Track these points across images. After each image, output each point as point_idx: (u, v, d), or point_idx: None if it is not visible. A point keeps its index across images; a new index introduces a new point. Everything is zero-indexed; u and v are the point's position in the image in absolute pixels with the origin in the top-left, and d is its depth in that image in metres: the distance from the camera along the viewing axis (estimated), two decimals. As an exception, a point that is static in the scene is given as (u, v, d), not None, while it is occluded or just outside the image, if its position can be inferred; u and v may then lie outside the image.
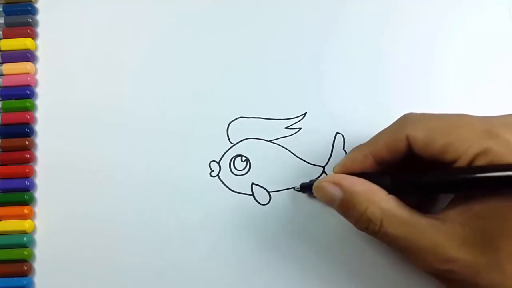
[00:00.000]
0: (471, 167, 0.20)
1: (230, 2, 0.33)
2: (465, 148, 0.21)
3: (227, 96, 0.31)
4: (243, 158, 0.31)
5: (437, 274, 0.22)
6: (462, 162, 0.21)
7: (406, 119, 0.23)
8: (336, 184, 0.24)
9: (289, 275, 0.29)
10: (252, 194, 0.30)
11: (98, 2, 0.33)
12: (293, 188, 0.30)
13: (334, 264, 0.29)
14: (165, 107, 0.32)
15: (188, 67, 0.32)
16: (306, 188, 0.29)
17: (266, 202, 0.30)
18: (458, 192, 0.22)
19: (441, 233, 0.21)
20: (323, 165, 0.30)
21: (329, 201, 0.25)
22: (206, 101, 0.31)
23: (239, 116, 0.31)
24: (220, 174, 0.31)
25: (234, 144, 0.31)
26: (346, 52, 0.32)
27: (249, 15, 0.32)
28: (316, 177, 0.30)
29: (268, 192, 0.30)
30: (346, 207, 0.24)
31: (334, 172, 0.26)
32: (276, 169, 0.30)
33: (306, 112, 0.31)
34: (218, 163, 0.31)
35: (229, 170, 0.31)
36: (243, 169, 0.31)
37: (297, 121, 0.31)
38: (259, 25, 0.32)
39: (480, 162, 0.20)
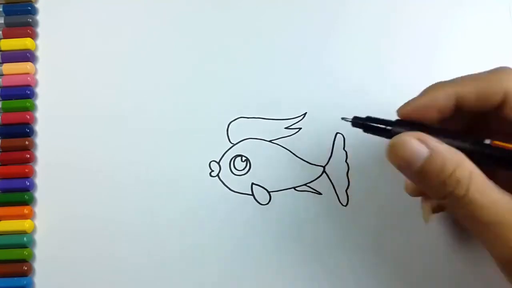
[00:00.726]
0: None
1: (231, 3, 0.33)
2: None
3: (227, 96, 0.31)
4: (243, 158, 0.31)
5: None
6: None
7: (507, 73, 0.20)
8: (422, 141, 0.20)
9: (289, 275, 0.29)
10: (252, 194, 0.30)
11: (98, 2, 0.33)
12: (342, 118, 0.25)
13: (334, 264, 0.29)
14: (165, 107, 0.32)
15: (188, 67, 0.32)
16: (358, 123, 0.24)
17: (266, 202, 0.30)
18: None
19: None
20: (323, 165, 0.30)
21: (409, 161, 0.20)
22: (206, 101, 0.31)
23: (239, 116, 0.31)
24: (220, 174, 0.31)
25: (234, 144, 0.31)
26: (346, 52, 0.32)
27: (249, 15, 0.32)
28: (316, 176, 0.30)
29: (268, 192, 0.30)
30: (431, 168, 0.20)
31: (402, 111, 0.22)
32: (276, 169, 0.30)
33: (306, 112, 0.31)
34: (218, 163, 0.31)
35: (229, 170, 0.31)
36: (243, 169, 0.31)
37: (297, 121, 0.31)
38: (259, 25, 0.32)
39: None
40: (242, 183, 0.30)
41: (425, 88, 0.22)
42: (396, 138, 0.21)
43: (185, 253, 0.30)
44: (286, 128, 0.31)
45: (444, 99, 0.21)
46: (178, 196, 0.30)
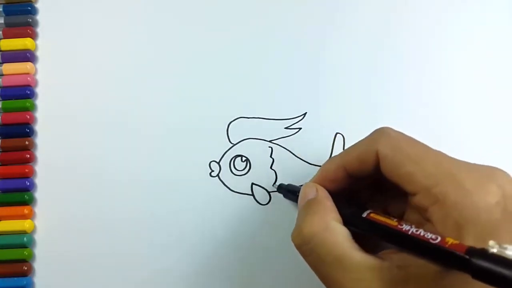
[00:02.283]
0: (420, 240, 0.19)
1: (231, 3, 0.33)
2: (427, 187, 0.19)
3: (227, 96, 0.31)
4: (243, 158, 0.31)
5: None
6: (419, 201, 0.20)
7: (381, 133, 0.22)
8: (317, 189, 0.24)
9: (289, 274, 0.29)
10: (252, 194, 0.30)
11: (98, 2, 0.33)
12: (273, 185, 0.30)
13: None
14: (165, 107, 0.32)
15: (188, 68, 0.32)
16: (283, 189, 0.29)
17: (266, 202, 0.30)
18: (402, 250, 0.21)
19: (374, 271, 0.19)
20: (323, 165, 0.30)
21: (302, 198, 0.24)
22: (206, 101, 0.32)
23: (239, 116, 0.31)
24: (220, 174, 0.31)
25: (234, 144, 0.31)
26: (346, 52, 0.32)
27: (249, 15, 0.32)
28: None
29: (268, 192, 0.30)
30: (304, 208, 0.23)
31: (311, 180, 0.26)
32: (276, 169, 0.30)
33: (306, 112, 0.31)
34: (218, 163, 0.31)
35: (229, 170, 0.31)
36: (243, 169, 0.31)
37: (297, 121, 0.31)
38: (259, 25, 0.32)
39: (436, 214, 0.19)
40: (242, 183, 0.30)
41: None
42: (305, 183, 0.25)
43: (185, 253, 0.30)
44: (286, 128, 0.31)
45: (334, 170, 0.24)
46: (178, 196, 0.30)
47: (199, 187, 0.30)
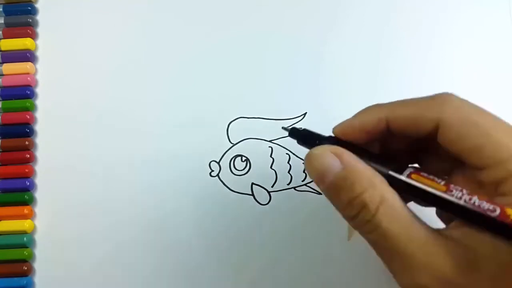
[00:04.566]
0: (476, 212, 0.17)
1: (231, 3, 0.33)
2: (502, 160, 0.17)
3: (227, 96, 0.31)
4: (243, 158, 0.31)
5: None
6: (489, 175, 0.18)
7: (444, 99, 0.19)
8: (337, 155, 0.19)
9: (289, 274, 0.29)
10: (252, 194, 0.30)
11: (97, 2, 0.33)
12: (282, 127, 0.25)
13: (334, 264, 0.29)
14: (165, 107, 0.32)
15: (188, 68, 0.32)
16: (295, 134, 0.24)
17: (266, 202, 0.30)
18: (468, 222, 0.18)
19: (442, 250, 0.17)
20: (323, 165, 0.30)
21: (321, 173, 0.20)
22: (206, 101, 0.32)
23: (239, 116, 0.31)
24: (220, 174, 0.31)
25: (234, 144, 0.31)
26: (346, 52, 0.32)
27: (248, 16, 0.32)
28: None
29: (268, 192, 0.30)
30: (341, 184, 0.19)
31: (335, 131, 0.22)
32: (276, 169, 0.30)
33: (306, 112, 0.31)
34: (218, 163, 0.31)
35: (229, 170, 0.31)
36: (243, 169, 0.31)
37: (297, 121, 0.31)
38: (259, 25, 0.32)
39: (508, 187, 0.17)
40: (242, 183, 0.30)
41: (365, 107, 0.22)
42: (313, 149, 0.20)
43: (185, 253, 0.30)
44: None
45: (374, 122, 0.20)
46: (178, 196, 0.30)
47: (199, 187, 0.30)
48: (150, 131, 0.31)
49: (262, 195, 0.30)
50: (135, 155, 0.31)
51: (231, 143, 0.31)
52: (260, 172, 0.30)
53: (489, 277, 0.17)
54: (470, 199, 0.17)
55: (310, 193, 0.30)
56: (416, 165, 0.22)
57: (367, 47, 0.32)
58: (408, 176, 0.18)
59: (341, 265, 0.29)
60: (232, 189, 0.30)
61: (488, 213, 0.16)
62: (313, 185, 0.30)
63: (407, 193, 0.19)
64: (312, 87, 0.31)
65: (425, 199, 0.18)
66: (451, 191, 0.17)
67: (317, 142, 0.22)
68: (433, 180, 0.18)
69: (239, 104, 0.31)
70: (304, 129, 0.23)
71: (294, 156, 0.31)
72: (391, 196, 0.18)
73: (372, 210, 0.18)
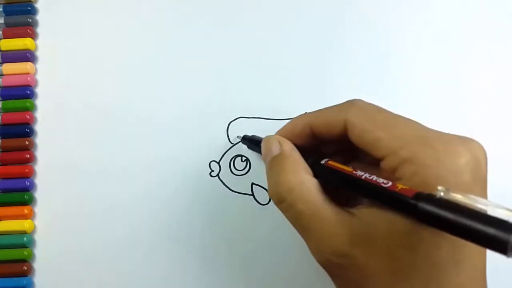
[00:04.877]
0: (381, 187, 0.19)
1: (231, 3, 0.33)
2: (395, 149, 0.20)
3: (227, 96, 0.31)
4: (243, 158, 0.31)
5: (328, 266, 0.21)
6: (388, 163, 0.20)
7: (351, 104, 0.22)
8: (280, 143, 0.24)
9: (289, 274, 0.29)
10: (252, 194, 0.30)
11: (97, 2, 0.33)
12: (237, 136, 0.30)
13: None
14: (165, 107, 0.32)
15: (188, 67, 0.32)
16: (246, 140, 0.29)
17: (266, 202, 0.30)
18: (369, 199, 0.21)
19: (345, 227, 0.20)
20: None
21: (266, 153, 0.24)
22: (206, 101, 0.31)
23: (239, 116, 0.31)
24: (220, 174, 0.31)
25: (234, 144, 0.31)
26: (346, 52, 0.32)
27: (249, 15, 0.32)
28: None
29: (268, 192, 0.30)
30: (274, 165, 0.23)
31: (277, 133, 0.26)
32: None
33: (306, 112, 0.31)
34: (218, 163, 0.31)
35: (229, 170, 0.31)
36: (243, 169, 0.31)
37: (297, 121, 0.31)
38: (260, 25, 0.32)
39: (404, 171, 0.19)
40: (242, 183, 0.30)
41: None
42: (267, 136, 0.26)
43: (185, 253, 0.30)
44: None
45: (300, 128, 0.24)
46: (178, 196, 0.30)
47: (199, 187, 0.30)
48: (150, 131, 0.31)
49: (262, 195, 0.30)
50: (135, 155, 0.31)
51: (231, 143, 0.31)
52: (260, 172, 0.30)
53: (383, 250, 0.19)
54: (369, 176, 0.20)
55: (310, 193, 0.30)
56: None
57: (368, 47, 0.32)
58: (325, 162, 0.23)
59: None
60: (232, 189, 0.30)
61: (382, 185, 0.19)
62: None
63: (326, 178, 0.22)
64: (312, 87, 0.31)
65: (337, 179, 0.21)
66: (356, 171, 0.21)
67: (260, 144, 0.26)
68: (343, 165, 0.22)
69: (239, 104, 0.31)
70: (251, 136, 0.30)
71: (294, 156, 0.30)
72: (308, 181, 0.22)
73: (290, 191, 0.21)
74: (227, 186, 0.31)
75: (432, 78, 0.31)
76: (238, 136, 0.30)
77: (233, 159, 0.31)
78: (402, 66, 0.31)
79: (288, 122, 0.26)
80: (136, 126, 0.31)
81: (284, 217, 0.30)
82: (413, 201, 0.17)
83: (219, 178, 0.31)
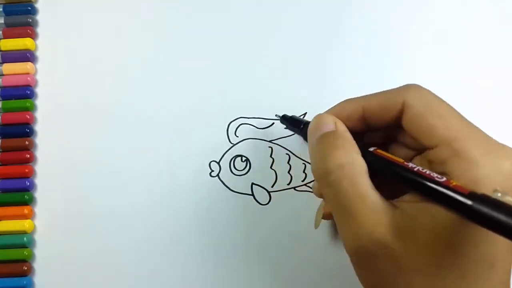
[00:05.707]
0: (435, 181, 0.18)
1: (231, 3, 0.33)
2: (449, 140, 0.19)
3: (227, 96, 0.31)
4: (243, 158, 0.31)
5: (361, 254, 0.20)
6: (438, 154, 0.20)
7: (409, 87, 0.22)
8: (335, 121, 0.23)
9: (289, 274, 0.29)
10: (252, 194, 0.30)
11: (98, 2, 0.33)
12: (276, 115, 0.30)
13: (334, 264, 0.29)
14: (165, 107, 0.32)
15: (188, 68, 0.32)
16: (286, 120, 0.29)
17: (266, 202, 0.30)
18: (416, 193, 0.20)
19: (387, 217, 0.19)
20: (323, 165, 0.30)
21: (316, 129, 0.23)
22: (206, 101, 0.31)
23: (239, 116, 0.31)
24: (220, 174, 0.31)
25: (234, 144, 0.31)
26: (346, 52, 0.32)
27: (249, 15, 0.32)
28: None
29: (268, 192, 0.30)
30: (325, 140, 0.22)
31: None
32: (276, 169, 0.30)
33: (306, 112, 0.31)
34: (218, 163, 0.31)
35: (229, 170, 0.31)
36: (243, 169, 0.31)
37: (297, 121, 0.31)
38: (259, 25, 0.32)
39: (454, 165, 0.19)
40: (242, 183, 0.30)
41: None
42: (318, 114, 0.24)
43: (185, 253, 0.30)
44: (286, 128, 0.31)
45: (351, 110, 0.23)
46: (178, 196, 0.30)
47: (199, 187, 0.30)
48: (150, 131, 0.31)
49: (262, 195, 0.30)
50: (135, 155, 0.31)
51: (231, 143, 0.31)
52: (260, 172, 0.31)
53: (424, 244, 0.18)
54: (422, 169, 0.19)
55: (310, 193, 0.30)
56: None
57: (368, 47, 0.32)
58: (374, 150, 0.22)
59: (341, 265, 0.29)
60: (232, 189, 0.30)
61: (436, 179, 0.18)
62: (313, 185, 0.30)
63: (374, 165, 0.21)
64: (312, 87, 0.31)
65: (386, 169, 0.21)
66: (408, 163, 0.20)
67: (302, 126, 0.26)
68: (393, 156, 0.21)
69: (239, 104, 0.31)
70: (291, 116, 0.29)
71: (294, 156, 0.31)
72: (359, 163, 0.21)
73: (340, 167, 0.21)
74: (227, 186, 0.31)
75: (432, 78, 0.31)
76: (276, 115, 0.30)
77: (233, 159, 0.31)
78: (402, 66, 0.31)
79: (336, 104, 0.24)
80: (136, 126, 0.31)
81: (284, 217, 0.30)
82: (467, 200, 0.17)
83: (219, 178, 0.31)
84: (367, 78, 0.31)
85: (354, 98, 0.24)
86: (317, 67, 0.31)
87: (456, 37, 0.31)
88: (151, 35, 0.33)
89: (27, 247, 0.30)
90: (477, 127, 0.20)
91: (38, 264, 0.31)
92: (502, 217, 0.16)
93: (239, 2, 0.33)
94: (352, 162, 0.21)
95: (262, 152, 0.31)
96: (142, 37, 0.33)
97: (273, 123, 0.31)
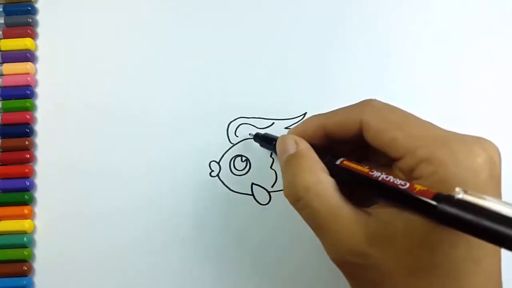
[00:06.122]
0: (399, 189, 0.19)
1: (231, 3, 0.33)
2: (412, 149, 0.19)
3: (227, 96, 0.31)
4: (243, 158, 0.31)
5: (345, 266, 0.21)
6: (405, 164, 0.20)
7: (366, 104, 0.22)
8: (296, 142, 0.24)
9: (289, 274, 0.29)
10: (252, 194, 0.30)
11: (98, 2, 0.33)
12: (249, 134, 0.30)
13: (334, 264, 0.29)
14: (165, 107, 0.32)
15: (188, 68, 0.32)
16: (259, 138, 0.29)
17: (266, 202, 0.30)
18: (385, 200, 0.21)
19: (361, 226, 0.20)
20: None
21: (281, 152, 0.24)
22: (206, 101, 0.31)
23: (239, 116, 0.31)
24: (220, 174, 0.31)
25: (234, 144, 0.31)
26: (346, 52, 0.32)
27: (249, 15, 0.32)
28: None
29: (268, 192, 0.30)
30: (290, 164, 0.23)
31: (288, 132, 0.26)
32: (276, 169, 0.30)
33: (306, 112, 0.31)
34: (218, 163, 0.31)
35: (229, 170, 0.31)
36: (243, 169, 0.31)
37: (297, 121, 0.31)
38: (260, 25, 0.32)
39: (421, 170, 0.19)
40: (242, 183, 0.30)
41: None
42: (283, 135, 0.25)
43: (185, 253, 0.30)
44: (286, 128, 0.31)
45: (314, 128, 0.24)
46: (178, 196, 0.30)
47: (199, 187, 0.30)
48: (150, 131, 0.31)
49: (262, 195, 0.30)
50: (135, 155, 0.31)
51: (231, 143, 0.31)
52: (260, 172, 0.31)
53: (402, 250, 0.19)
54: (386, 177, 0.20)
55: (310, 193, 0.30)
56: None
57: (368, 47, 0.32)
58: (341, 162, 0.22)
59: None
60: (232, 189, 0.30)
61: (400, 186, 0.19)
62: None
63: (341, 178, 0.22)
64: (312, 87, 0.31)
65: (353, 180, 0.21)
66: (372, 172, 0.20)
67: (274, 142, 0.26)
68: (359, 165, 0.21)
69: (239, 104, 0.31)
70: (263, 134, 0.30)
71: (294, 156, 0.30)
72: (325, 180, 0.22)
73: (307, 190, 0.21)
74: (227, 186, 0.31)
75: (432, 78, 0.31)
76: (250, 134, 0.30)
77: (233, 159, 0.31)
78: (402, 66, 0.31)
79: (300, 122, 0.25)
80: (136, 126, 0.31)
81: (284, 217, 0.30)
82: (432, 203, 0.17)
83: (219, 178, 0.31)
84: (367, 78, 0.31)
85: (317, 115, 0.25)
86: (317, 67, 0.31)
87: (456, 37, 0.31)
88: (151, 35, 0.33)
89: (27, 247, 0.30)
90: (439, 128, 0.20)
91: (38, 264, 0.31)
92: (465, 215, 0.16)
93: (239, 2, 0.33)
94: (318, 182, 0.21)
95: (262, 152, 0.31)
96: (142, 37, 0.33)
97: (273, 123, 0.31)
